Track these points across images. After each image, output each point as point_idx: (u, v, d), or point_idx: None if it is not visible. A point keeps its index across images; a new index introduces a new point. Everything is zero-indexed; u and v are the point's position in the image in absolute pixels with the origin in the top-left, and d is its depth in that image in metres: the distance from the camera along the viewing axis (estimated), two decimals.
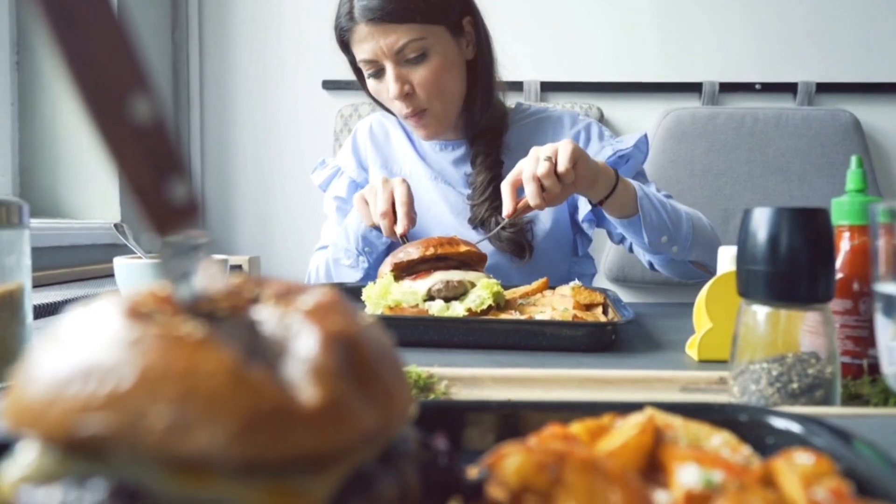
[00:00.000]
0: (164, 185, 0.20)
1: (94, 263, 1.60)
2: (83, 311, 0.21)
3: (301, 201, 2.18)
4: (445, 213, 1.24)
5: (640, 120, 2.08)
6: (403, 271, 0.92)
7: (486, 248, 1.16)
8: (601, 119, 2.05)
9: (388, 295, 0.87)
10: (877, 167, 2.00)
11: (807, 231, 0.47)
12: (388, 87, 1.14)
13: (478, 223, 1.20)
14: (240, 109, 2.20)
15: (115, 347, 0.19)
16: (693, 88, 2.08)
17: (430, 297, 0.86)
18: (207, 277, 0.23)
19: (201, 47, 2.18)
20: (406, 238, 1.05)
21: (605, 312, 0.89)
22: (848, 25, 2.04)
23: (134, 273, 0.85)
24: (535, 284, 0.96)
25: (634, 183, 1.08)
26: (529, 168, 0.97)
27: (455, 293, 0.87)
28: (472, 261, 0.95)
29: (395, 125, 1.33)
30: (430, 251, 0.91)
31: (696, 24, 2.08)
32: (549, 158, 0.95)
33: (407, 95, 1.14)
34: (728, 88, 2.07)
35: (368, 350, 0.21)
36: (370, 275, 1.21)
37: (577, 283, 0.95)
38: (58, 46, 0.18)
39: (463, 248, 0.93)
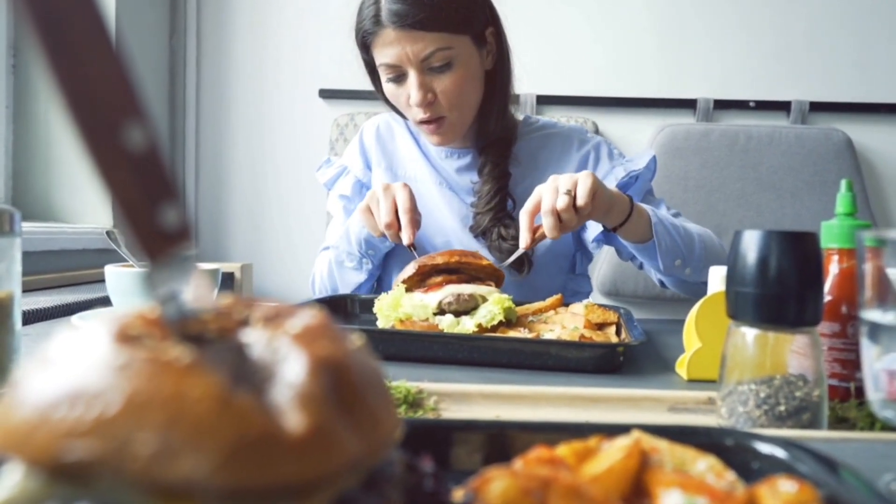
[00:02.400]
0: (156, 211, 0.20)
1: (86, 268, 1.59)
2: (72, 333, 0.21)
3: (295, 209, 2.18)
4: (448, 219, 1.24)
5: (634, 135, 2.10)
6: (416, 283, 0.93)
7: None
8: (596, 133, 2.06)
9: (398, 307, 0.86)
10: (868, 187, 2.01)
11: (796, 254, 0.48)
12: (407, 93, 1.13)
13: (479, 232, 1.20)
14: (235, 115, 2.21)
15: (103, 372, 0.19)
16: (688, 105, 2.09)
17: (440, 311, 0.86)
18: (197, 295, 0.23)
19: (199, 53, 2.19)
20: (414, 246, 1.05)
21: (618, 332, 0.87)
22: (842, 45, 2.07)
23: (125, 282, 0.85)
24: (549, 301, 0.95)
25: (648, 208, 1.08)
26: (549, 201, 0.96)
27: (466, 307, 0.86)
28: (488, 277, 0.95)
29: (403, 127, 1.33)
30: (455, 259, 0.91)
31: (692, 41, 2.09)
32: (568, 192, 0.95)
33: (429, 104, 1.13)
34: (722, 105, 2.08)
35: (355, 376, 0.22)
36: (374, 275, 1.22)
37: (590, 301, 0.94)
38: (53, 73, 0.18)
39: (485, 262, 0.93)
